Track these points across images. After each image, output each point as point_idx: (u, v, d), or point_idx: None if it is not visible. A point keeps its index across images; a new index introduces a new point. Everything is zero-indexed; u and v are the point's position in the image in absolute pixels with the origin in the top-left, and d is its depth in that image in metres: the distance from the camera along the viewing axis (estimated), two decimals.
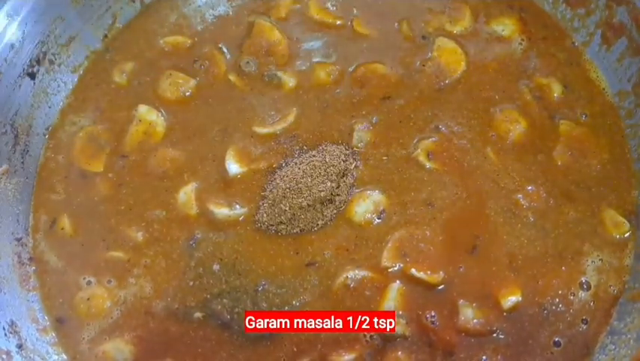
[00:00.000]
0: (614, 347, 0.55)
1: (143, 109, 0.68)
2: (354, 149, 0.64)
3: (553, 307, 0.56)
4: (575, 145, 0.63)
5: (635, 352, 0.52)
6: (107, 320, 0.60)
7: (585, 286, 0.57)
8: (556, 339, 0.56)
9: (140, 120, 0.67)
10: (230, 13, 0.74)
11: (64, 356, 0.59)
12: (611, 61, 0.66)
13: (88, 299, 0.60)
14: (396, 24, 0.71)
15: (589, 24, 0.67)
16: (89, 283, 0.61)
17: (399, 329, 0.55)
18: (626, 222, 0.59)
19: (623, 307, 0.56)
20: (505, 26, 0.70)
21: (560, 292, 0.57)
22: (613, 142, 0.63)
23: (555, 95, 0.65)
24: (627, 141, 0.63)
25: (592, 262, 0.58)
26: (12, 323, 0.58)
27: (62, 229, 0.64)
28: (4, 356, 0.55)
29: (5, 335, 0.57)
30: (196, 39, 0.73)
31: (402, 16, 0.71)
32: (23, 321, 0.59)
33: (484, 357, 0.55)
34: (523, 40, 0.69)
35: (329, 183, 0.60)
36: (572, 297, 0.57)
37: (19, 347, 0.57)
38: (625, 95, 0.64)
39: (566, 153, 0.62)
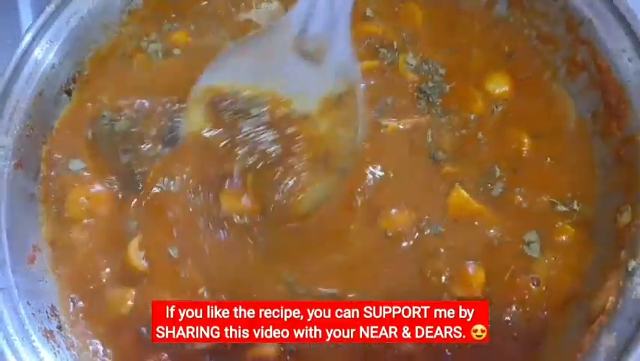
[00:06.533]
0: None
1: None
2: None
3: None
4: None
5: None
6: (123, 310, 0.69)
7: (536, 283, 0.67)
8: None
9: None
10: None
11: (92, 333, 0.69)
12: (574, 92, 0.74)
13: (107, 293, 0.70)
14: None
15: (557, 59, 0.75)
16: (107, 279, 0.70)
17: None
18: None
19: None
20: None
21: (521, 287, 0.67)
22: (578, 166, 0.72)
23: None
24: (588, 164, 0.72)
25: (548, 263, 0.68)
26: (52, 308, 0.68)
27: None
28: (48, 335, 0.65)
29: (48, 317, 0.67)
30: None
31: None
32: (60, 306, 0.69)
33: None
34: None
35: None
36: (532, 288, 0.67)
37: (59, 328, 0.68)
38: (583, 123, 0.73)
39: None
